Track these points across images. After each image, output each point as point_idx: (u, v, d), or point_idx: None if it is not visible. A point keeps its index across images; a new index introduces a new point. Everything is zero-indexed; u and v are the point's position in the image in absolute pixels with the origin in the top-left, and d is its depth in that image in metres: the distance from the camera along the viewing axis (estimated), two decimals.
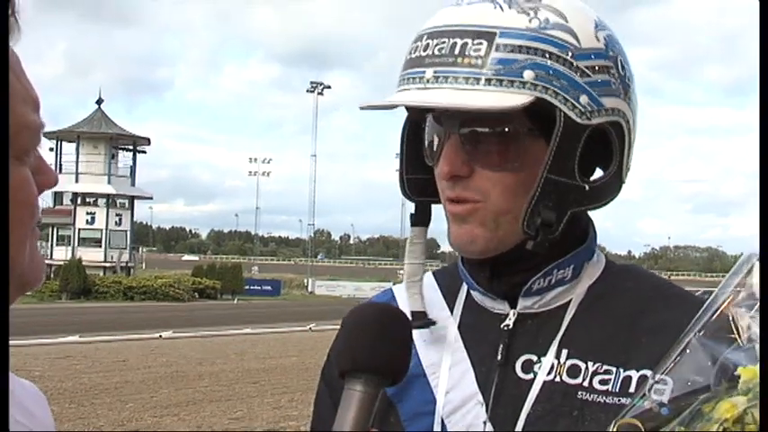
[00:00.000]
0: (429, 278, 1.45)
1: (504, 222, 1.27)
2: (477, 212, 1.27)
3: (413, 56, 1.27)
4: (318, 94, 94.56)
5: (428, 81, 1.23)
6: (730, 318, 1.06)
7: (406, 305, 1.40)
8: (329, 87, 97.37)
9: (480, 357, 1.33)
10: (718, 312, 1.08)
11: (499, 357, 1.31)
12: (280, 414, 12.26)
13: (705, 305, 1.10)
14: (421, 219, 1.42)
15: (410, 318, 1.33)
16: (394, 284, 1.55)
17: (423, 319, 1.37)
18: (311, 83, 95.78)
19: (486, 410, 1.30)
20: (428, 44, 1.25)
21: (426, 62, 1.24)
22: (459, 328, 1.38)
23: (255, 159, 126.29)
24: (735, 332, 1.05)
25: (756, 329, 1.02)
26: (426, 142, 1.34)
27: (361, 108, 1.29)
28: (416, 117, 1.36)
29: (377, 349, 1.14)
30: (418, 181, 1.39)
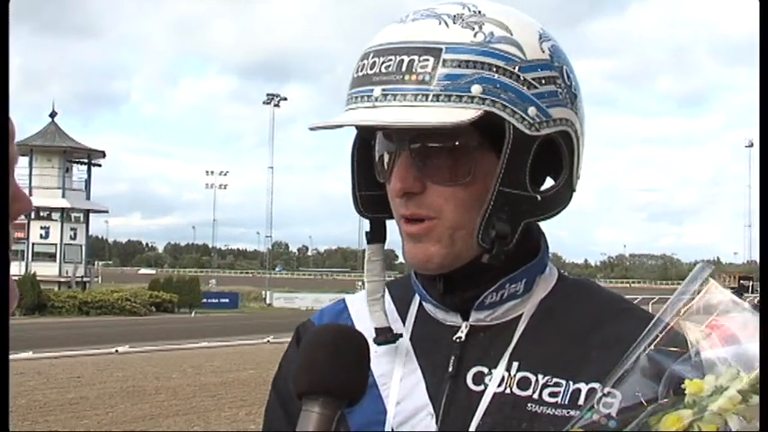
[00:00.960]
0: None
1: (459, 238, 1.28)
2: (433, 231, 1.28)
3: (360, 74, 1.28)
4: (275, 105, 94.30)
5: (377, 99, 1.24)
6: (680, 331, 1.07)
7: (360, 317, 1.42)
8: (285, 99, 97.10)
9: (432, 369, 1.34)
10: (669, 326, 1.09)
11: (450, 369, 1.32)
12: (237, 428, 12.18)
13: (655, 318, 1.11)
14: (377, 236, 1.42)
15: (375, 334, 1.35)
16: (348, 295, 1.55)
17: (388, 335, 1.36)
18: (267, 95, 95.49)
19: (437, 422, 1.31)
20: (375, 62, 1.26)
21: (374, 80, 1.25)
22: (411, 339, 1.38)
23: (212, 172, 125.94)
24: (684, 346, 1.06)
25: (705, 343, 1.03)
26: (377, 159, 1.34)
27: (311, 129, 1.29)
28: (366, 134, 1.37)
29: (334, 371, 1.14)
30: (371, 197, 1.39)
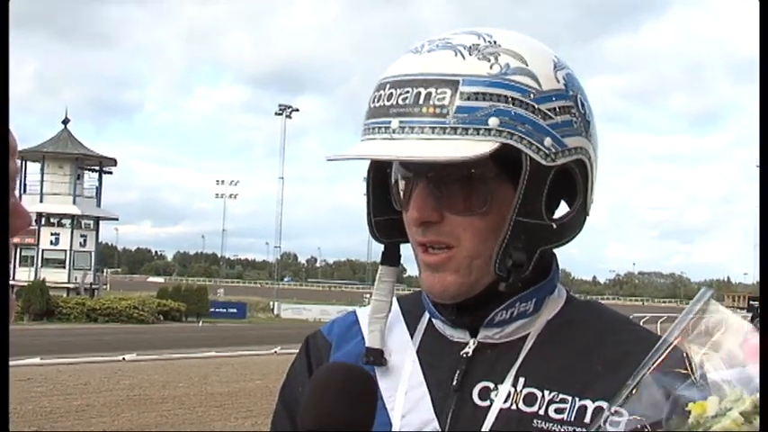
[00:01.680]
0: (393, 302, 1.47)
1: (476, 267, 1.30)
2: (452, 260, 1.30)
3: (377, 105, 1.29)
4: (287, 117, 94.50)
5: (394, 131, 1.25)
6: (684, 354, 1.08)
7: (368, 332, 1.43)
8: (297, 110, 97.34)
9: (437, 383, 1.35)
10: (672, 348, 1.09)
11: (455, 383, 1.33)
12: None
13: (661, 340, 1.12)
14: (390, 259, 1.44)
15: (365, 352, 1.38)
16: (359, 307, 1.56)
17: (377, 358, 1.38)
18: (280, 105, 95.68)
19: None
20: (392, 93, 1.27)
21: (391, 112, 1.26)
22: (417, 353, 1.40)
23: (223, 182, 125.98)
24: (688, 368, 1.07)
25: (709, 365, 1.04)
26: (393, 186, 1.36)
27: (329, 160, 1.31)
28: (382, 161, 1.38)
29: (340, 410, 1.14)
30: (386, 222, 1.41)
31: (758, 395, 0.98)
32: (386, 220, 1.41)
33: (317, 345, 1.50)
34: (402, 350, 1.40)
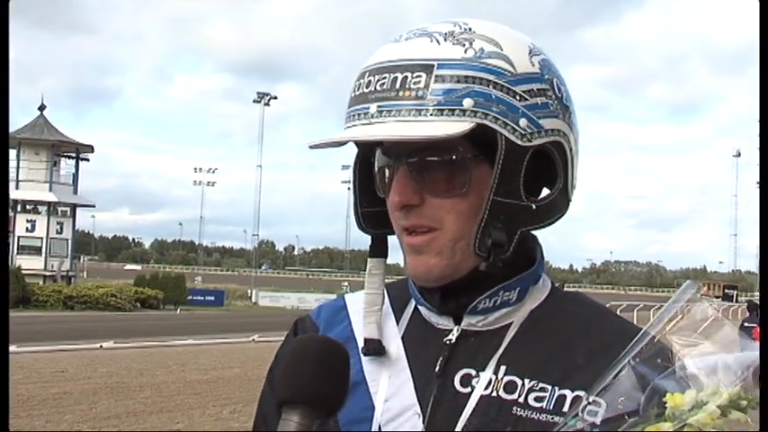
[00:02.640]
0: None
1: (459, 249, 1.32)
2: (435, 242, 1.32)
3: (356, 93, 1.32)
4: (265, 104, 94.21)
5: (372, 116, 1.28)
6: (665, 346, 1.10)
7: (357, 318, 1.46)
8: (276, 98, 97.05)
9: (420, 369, 1.38)
10: (653, 339, 1.11)
11: (437, 369, 1.36)
12: (221, 426, 12.15)
13: (642, 331, 1.14)
14: (378, 250, 1.46)
15: (362, 344, 1.40)
16: (348, 293, 1.59)
17: (375, 347, 1.41)
18: (258, 93, 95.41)
19: (423, 421, 1.34)
20: (370, 80, 1.30)
21: (370, 98, 1.29)
22: (402, 339, 1.42)
23: (201, 169, 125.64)
24: (669, 359, 1.08)
25: (689, 359, 1.06)
26: (377, 174, 1.38)
27: (311, 147, 1.33)
28: (366, 152, 1.41)
29: (315, 381, 1.16)
30: (373, 214, 1.44)
31: (737, 389, 1.00)
32: (373, 211, 1.44)
33: (305, 328, 1.53)
34: (388, 336, 1.43)
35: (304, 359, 1.20)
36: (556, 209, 1.36)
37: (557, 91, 1.35)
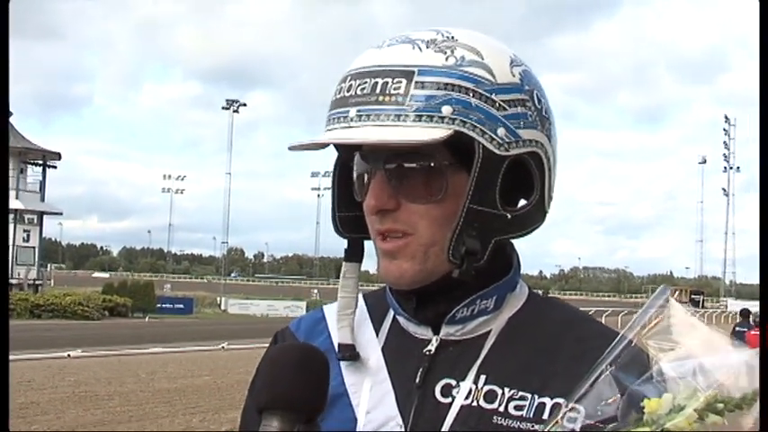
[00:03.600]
0: (360, 300, 1.49)
1: (432, 254, 1.32)
2: (408, 247, 1.33)
3: (337, 97, 1.33)
4: (234, 111, 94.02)
5: (352, 120, 1.29)
6: (641, 350, 1.11)
7: (336, 327, 1.45)
8: (245, 105, 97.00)
9: (401, 380, 1.38)
10: (630, 344, 1.12)
11: (417, 380, 1.36)
12: None
13: (618, 337, 1.15)
14: (354, 255, 1.47)
15: (337, 349, 1.40)
16: (326, 305, 1.58)
17: (350, 352, 1.41)
18: (227, 100, 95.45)
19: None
20: (351, 85, 1.31)
21: (350, 102, 1.30)
22: (383, 349, 1.42)
23: (170, 176, 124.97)
24: (646, 364, 1.09)
25: (665, 362, 1.07)
26: (355, 179, 1.39)
27: (290, 149, 1.34)
28: (345, 157, 1.42)
29: (294, 387, 1.16)
30: (350, 218, 1.44)
31: (713, 392, 1.01)
32: (350, 216, 1.44)
33: (285, 340, 1.52)
34: (368, 347, 1.43)
35: (283, 365, 1.20)
36: (531, 219, 1.37)
37: (536, 102, 1.36)
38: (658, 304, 1.12)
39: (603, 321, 1.57)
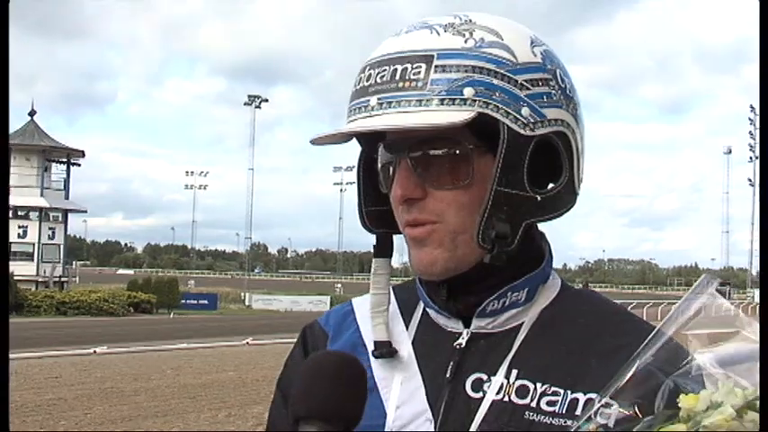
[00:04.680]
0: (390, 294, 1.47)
1: (462, 242, 1.29)
2: (435, 233, 1.30)
3: (357, 87, 1.31)
4: (256, 107, 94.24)
5: (373, 108, 1.27)
6: (680, 345, 1.07)
7: (365, 322, 1.44)
8: (267, 101, 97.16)
9: (432, 374, 1.35)
10: (669, 338, 1.09)
11: (448, 374, 1.33)
12: (217, 429, 12.14)
13: (656, 330, 1.11)
14: (383, 250, 1.44)
15: (373, 347, 1.38)
16: (355, 297, 1.56)
17: (386, 349, 1.38)
18: (249, 96, 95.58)
19: (435, 427, 1.32)
20: (371, 74, 1.29)
21: (370, 91, 1.28)
22: (413, 344, 1.40)
23: (193, 173, 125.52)
24: (684, 359, 1.06)
25: (704, 359, 1.03)
26: (381, 171, 1.36)
27: (312, 142, 1.33)
28: (369, 150, 1.40)
29: (331, 398, 1.13)
30: (377, 212, 1.42)
31: (753, 390, 0.98)
32: (377, 210, 1.42)
33: (314, 335, 1.51)
34: (398, 341, 1.40)
35: (321, 375, 1.16)
36: (562, 201, 1.34)
37: (560, 81, 1.33)
38: (701, 295, 1.09)
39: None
